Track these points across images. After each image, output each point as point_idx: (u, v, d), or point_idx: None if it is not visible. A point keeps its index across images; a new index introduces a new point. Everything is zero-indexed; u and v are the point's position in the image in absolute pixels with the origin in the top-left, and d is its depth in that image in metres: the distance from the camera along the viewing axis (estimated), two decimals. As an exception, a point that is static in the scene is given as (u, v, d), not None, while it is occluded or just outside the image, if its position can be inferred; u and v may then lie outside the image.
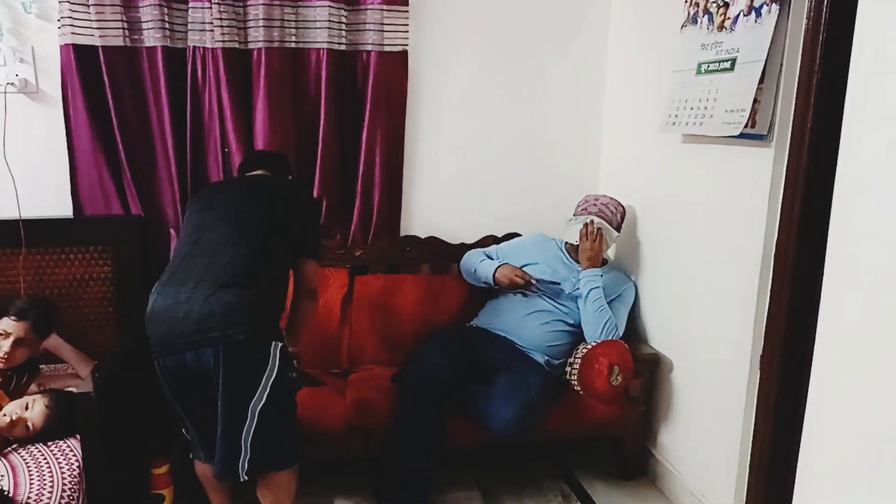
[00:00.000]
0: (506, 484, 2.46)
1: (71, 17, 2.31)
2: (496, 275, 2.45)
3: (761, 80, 1.82)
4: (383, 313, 2.61)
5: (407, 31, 2.58)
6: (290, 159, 2.29)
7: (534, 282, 2.42)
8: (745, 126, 1.85)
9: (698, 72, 2.09)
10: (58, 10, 2.32)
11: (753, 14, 1.85)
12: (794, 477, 1.89)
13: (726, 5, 1.98)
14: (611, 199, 2.54)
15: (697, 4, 2.12)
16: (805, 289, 1.82)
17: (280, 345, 1.77)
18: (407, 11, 2.56)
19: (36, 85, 2.41)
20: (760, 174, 1.88)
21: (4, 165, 2.34)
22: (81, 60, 2.35)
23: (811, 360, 1.81)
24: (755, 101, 1.83)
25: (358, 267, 2.70)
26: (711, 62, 2.03)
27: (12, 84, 2.36)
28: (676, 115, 2.19)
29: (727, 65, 1.94)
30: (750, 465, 2.01)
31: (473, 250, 2.66)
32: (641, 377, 2.38)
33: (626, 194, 2.61)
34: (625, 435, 2.46)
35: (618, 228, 2.52)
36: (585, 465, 2.59)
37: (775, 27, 1.77)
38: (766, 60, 1.79)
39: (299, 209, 2.00)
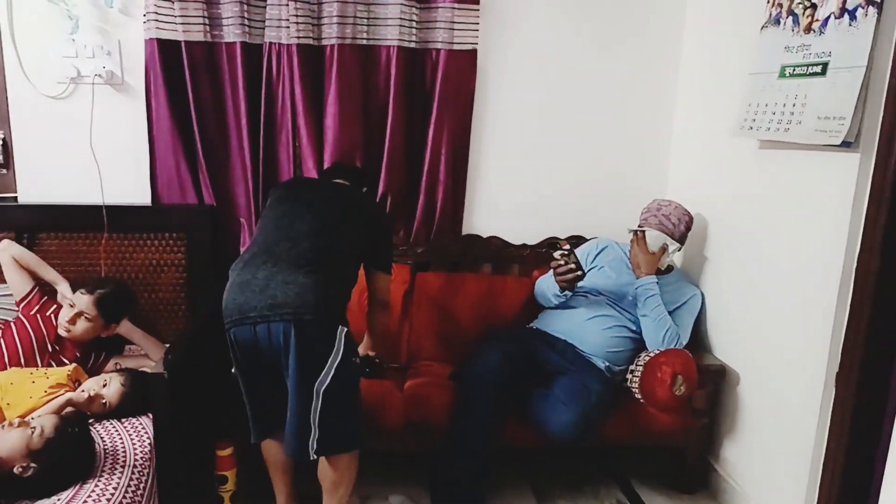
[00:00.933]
0: (560, 488, 2.44)
1: (156, 13, 2.41)
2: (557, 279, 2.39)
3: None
4: (443, 311, 2.62)
5: (477, 30, 2.58)
6: (369, 174, 2.52)
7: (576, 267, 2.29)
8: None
9: (781, 75, 2.01)
10: (143, 6, 2.42)
11: (846, 17, 1.76)
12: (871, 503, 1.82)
13: (814, 6, 1.90)
14: (675, 207, 2.45)
15: (781, 5, 2.04)
16: (887, 303, 1.74)
17: (346, 330, 1.83)
18: (478, 10, 2.56)
19: (121, 77, 2.52)
20: (844, 181, 1.79)
21: (91, 153, 2.46)
22: (164, 54, 2.44)
23: (891, 378, 1.73)
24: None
25: (419, 264, 2.72)
26: (798, 65, 1.95)
27: (99, 76, 2.48)
28: (754, 120, 2.12)
29: (817, 69, 1.86)
30: (820, 489, 1.93)
31: (542, 277, 2.57)
32: (706, 388, 2.32)
33: (694, 198, 2.54)
34: (686, 446, 2.39)
35: (681, 239, 2.43)
36: (643, 474, 2.54)
37: (875, 32, 1.68)
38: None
39: (373, 224, 2.12)
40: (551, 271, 2.41)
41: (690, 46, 2.70)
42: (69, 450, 1.69)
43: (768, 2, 2.09)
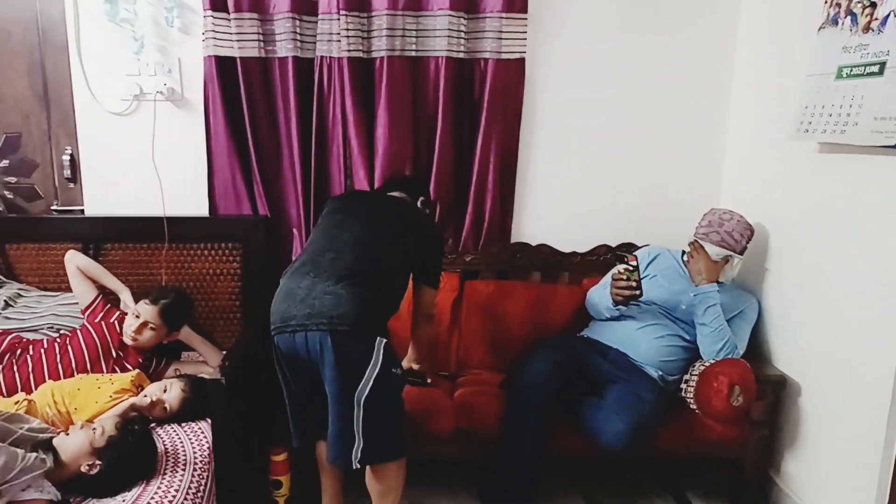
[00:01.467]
0: (612, 498, 2.40)
1: (213, 31, 2.50)
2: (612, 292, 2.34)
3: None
4: (492, 319, 2.62)
5: (525, 39, 2.58)
6: (423, 184, 2.54)
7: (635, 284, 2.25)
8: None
9: (839, 76, 1.95)
10: (202, 25, 2.51)
11: (908, 15, 1.71)
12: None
13: (873, 5, 1.84)
14: (737, 221, 2.35)
15: (839, 5, 1.98)
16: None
17: (385, 341, 1.84)
18: (526, 19, 2.56)
19: (181, 93, 2.62)
20: (909, 186, 1.73)
21: (153, 167, 2.56)
22: (221, 70, 2.53)
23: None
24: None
25: (468, 272, 2.73)
26: (855, 66, 1.89)
27: (161, 93, 2.58)
28: (810, 122, 2.06)
29: (875, 69, 1.80)
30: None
31: (593, 287, 2.56)
32: (765, 399, 2.25)
33: (750, 205, 2.48)
34: (744, 459, 2.32)
35: (742, 252, 2.37)
36: (699, 486, 2.48)
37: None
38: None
39: (425, 238, 2.13)
40: (607, 283, 2.39)
41: (744, 50, 2.64)
42: (131, 446, 1.76)
43: (826, 2, 2.04)
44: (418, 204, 2.32)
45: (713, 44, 2.68)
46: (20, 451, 1.59)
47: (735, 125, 2.70)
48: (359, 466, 1.85)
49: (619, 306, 2.33)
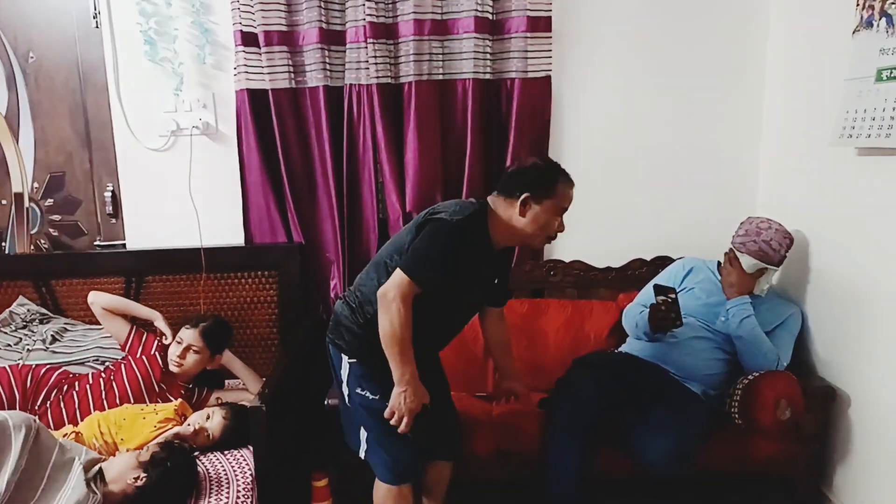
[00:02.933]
0: (658, 520, 2.34)
1: (245, 65, 2.56)
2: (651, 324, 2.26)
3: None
4: (528, 338, 2.60)
5: (550, 57, 2.59)
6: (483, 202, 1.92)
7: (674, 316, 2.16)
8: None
9: (878, 79, 1.91)
10: (234, 60, 2.59)
11: (944, 13, 1.67)
12: None
13: (908, 5, 1.81)
14: (776, 230, 2.28)
15: (872, 7, 1.95)
16: None
17: (353, 362, 1.88)
18: (550, 37, 2.58)
19: (216, 127, 2.69)
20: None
21: (189, 199, 2.63)
22: (254, 103, 2.60)
23: None
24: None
25: (503, 291, 2.72)
26: (895, 68, 1.85)
27: (196, 127, 2.65)
28: (853, 127, 2.02)
29: (914, 69, 1.77)
30: (952, 518, 1.77)
31: (629, 306, 2.50)
32: (813, 412, 2.18)
33: (788, 213, 2.43)
34: (795, 474, 2.25)
35: (780, 262, 2.31)
36: (749, 505, 2.40)
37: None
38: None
39: (420, 230, 1.82)
40: (643, 302, 2.36)
41: (776, 57, 2.61)
42: (175, 460, 1.84)
43: (858, 4, 2.01)
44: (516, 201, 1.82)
45: (743, 52, 2.65)
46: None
47: (769, 133, 2.66)
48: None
49: (658, 334, 2.29)
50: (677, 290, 2.34)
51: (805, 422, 2.17)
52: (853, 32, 2.03)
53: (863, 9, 1.98)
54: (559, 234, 1.92)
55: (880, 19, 1.91)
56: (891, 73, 1.87)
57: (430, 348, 1.95)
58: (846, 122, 2.04)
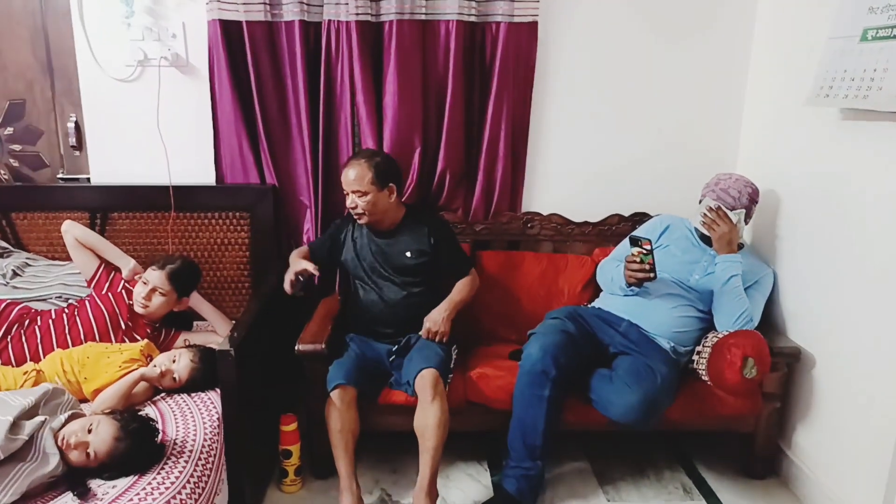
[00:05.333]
0: (623, 471, 2.40)
1: (218, -6, 2.43)
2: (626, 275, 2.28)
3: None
4: (503, 290, 2.59)
5: (537, 1, 2.50)
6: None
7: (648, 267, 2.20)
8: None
9: (864, 38, 1.87)
10: (206, -12, 2.45)
11: (943, -29, 1.62)
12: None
13: (906, -37, 1.76)
14: (735, 179, 2.31)
15: (867, -36, 1.89)
16: None
17: None
18: (539, -20, 2.48)
19: (186, 59, 2.56)
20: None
21: (158, 135, 2.52)
22: (226, 35, 2.47)
23: None
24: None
25: (479, 242, 2.69)
26: (882, 28, 1.81)
27: (165, 58, 2.52)
28: (831, 87, 1.98)
29: (904, 30, 1.73)
30: (903, 476, 1.83)
31: (604, 260, 2.51)
32: (778, 371, 2.22)
33: (766, 173, 2.42)
34: (756, 431, 2.30)
35: (747, 211, 2.32)
36: (710, 458, 2.47)
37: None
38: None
39: None
40: (618, 258, 2.35)
41: (764, 12, 2.55)
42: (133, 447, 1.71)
43: (854, -40, 1.95)
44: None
45: (732, 7, 2.59)
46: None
47: (753, 91, 2.63)
48: None
49: (633, 287, 2.29)
50: (653, 246, 2.34)
51: (769, 380, 2.21)
52: (847, -11, 1.98)
53: (858, -34, 1.93)
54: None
55: (876, -24, 1.85)
56: (877, 32, 1.82)
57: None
58: (825, 82, 2.01)
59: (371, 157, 2.28)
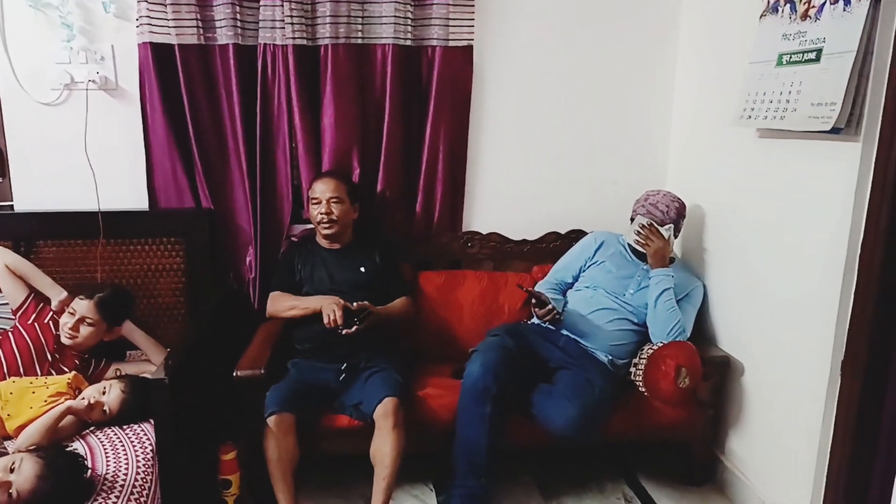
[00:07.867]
0: (566, 485, 2.42)
1: (149, 17, 2.39)
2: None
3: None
4: (444, 309, 2.60)
5: (472, 26, 2.56)
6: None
7: (551, 305, 2.29)
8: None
9: (779, 63, 2.00)
10: (136, 10, 2.40)
11: (841, 2, 1.75)
12: (875, 491, 1.80)
13: (810, -7, 1.89)
14: (664, 195, 2.43)
15: (778, -8, 2.02)
16: (891, 292, 1.73)
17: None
18: (473, 5, 2.55)
19: (115, 82, 2.50)
20: (845, 170, 1.78)
21: (86, 160, 2.45)
22: (158, 58, 2.43)
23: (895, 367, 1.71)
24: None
25: (420, 262, 2.71)
26: (794, 53, 1.93)
27: (93, 81, 2.46)
28: (752, 109, 2.10)
29: (812, 55, 1.85)
30: (827, 478, 1.91)
31: (539, 283, 2.57)
32: (710, 380, 2.30)
33: (695, 190, 2.53)
34: (692, 439, 2.38)
35: (676, 225, 2.42)
36: (649, 469, 2.52)
37: (868, 17, 1.67)
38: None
39: None
40: (554, 294, 2.47)
41: (688, 37, 2.68)
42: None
43: (765, -11, 2.08)
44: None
45: (657, 32, 2.72)
46: None
47: (680, 112, 2.75)
48: None
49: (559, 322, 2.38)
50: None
51: (701, 389, 2.28)
52: (760, 17, 2.10)
53: (770, -6, 2.06)
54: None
55: (785, 5, 1.98)
56: (790, 57, 1.95)
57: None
58: (747, 104, 2.13)
59: (343, 174, 2.49)
